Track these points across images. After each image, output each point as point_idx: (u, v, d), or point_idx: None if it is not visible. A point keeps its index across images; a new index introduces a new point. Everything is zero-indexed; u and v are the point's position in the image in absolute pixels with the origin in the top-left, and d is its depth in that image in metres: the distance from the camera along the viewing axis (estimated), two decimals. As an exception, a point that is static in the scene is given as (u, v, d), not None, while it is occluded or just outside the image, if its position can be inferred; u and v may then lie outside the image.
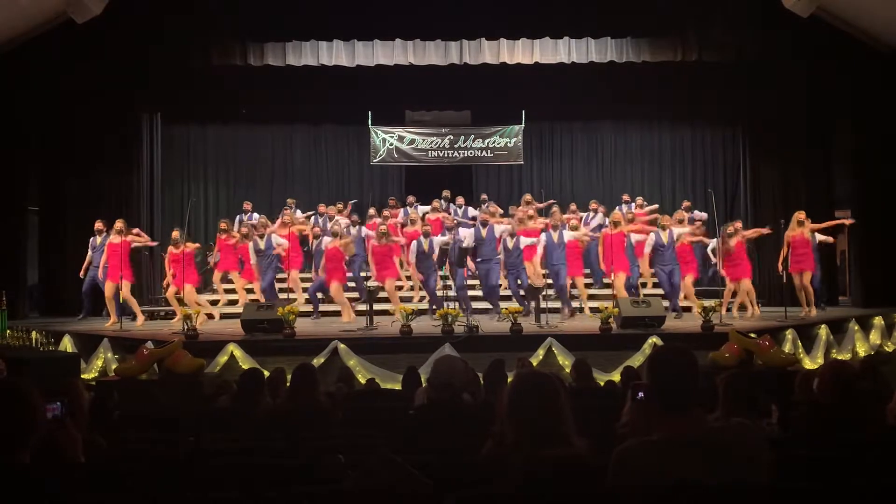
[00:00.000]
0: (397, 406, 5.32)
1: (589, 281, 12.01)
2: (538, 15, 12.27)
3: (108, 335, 9.51)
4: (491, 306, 10.78)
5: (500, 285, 11.16)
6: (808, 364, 8.94)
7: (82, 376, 8.45)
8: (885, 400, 4.09)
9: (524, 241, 10.79)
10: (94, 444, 3.66)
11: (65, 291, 12.11)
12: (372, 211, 13.00)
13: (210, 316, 11.03)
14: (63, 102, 12.26)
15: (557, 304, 11.05)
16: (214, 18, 11.95)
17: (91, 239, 11.18)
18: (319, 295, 11.27)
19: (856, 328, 10.34)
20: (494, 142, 14.59)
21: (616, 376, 7.95)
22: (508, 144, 14.57)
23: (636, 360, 8.46)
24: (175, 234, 10.97)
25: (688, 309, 10.99)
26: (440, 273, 10.62)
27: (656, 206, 13.29)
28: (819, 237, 10.92)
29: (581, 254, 11.31)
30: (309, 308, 11.31)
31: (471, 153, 14.65)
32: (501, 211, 13.41)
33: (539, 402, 2.50)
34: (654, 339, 8.75)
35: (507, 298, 11.11)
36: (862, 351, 10.15)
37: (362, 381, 8.13)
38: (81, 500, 2.72)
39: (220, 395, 6.06)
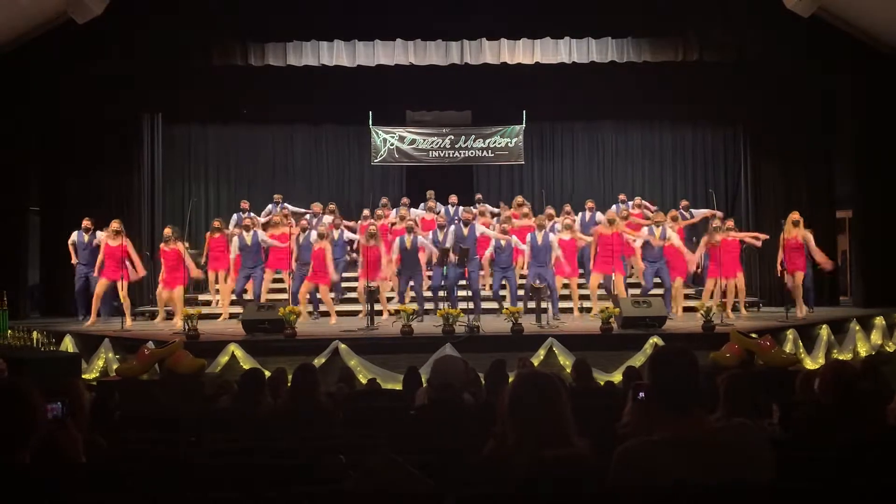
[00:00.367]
0: (398, 406, 5.33)
1: (581, 281, 11.98)
2: (539, 15, 12.25)
3: (109, 335, 9.52)
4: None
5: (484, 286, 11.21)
6: (809, 364, 8.94)
7: (83, 376, 8.45)
8: (886, 400, 4.09)
9: (554, 241, 10.69)
10: (95, 445, 3.66)
11: (66, 292, 12.09)
12: (366, 212, 12.98)
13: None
14: (63, 102, 12.26)
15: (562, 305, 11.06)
16: (215, 18, 11.93)
17: (78, 236, 11.09)
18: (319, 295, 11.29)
19: (857, 328, 10.33)
20: (495, 142, 14.58)
21: (617, 377, 7.96)
22: (509, 144, 14.56)
23: (637, 360, 8.46)
24: (167, 231, 10.95)
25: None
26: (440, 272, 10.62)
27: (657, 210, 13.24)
28: (812, 247, 10.83)
29: (576, 254, 11.17)
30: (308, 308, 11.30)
31: (472, 153, 14.64)
32: (494, 210, 13.40)
33: (540, 401, 2.50)
34: (655, 340, 8.75)
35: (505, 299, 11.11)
36: (863, 351, 10.15)
37: (363, 381, 8.14)
38: (82, 500, 2.72)
39: (220, 396, 6.07)
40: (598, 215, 12.69)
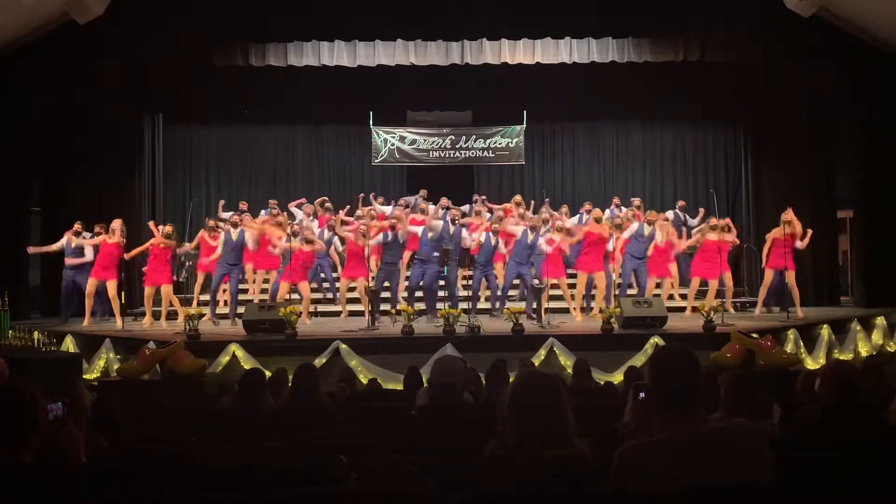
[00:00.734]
0: (399, 406, 5.33)
1: (572, 281, 11.95)
2: (539, 15, 12.25)
3: (110, 335, 9.52)
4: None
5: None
6: (810, 364, 8.93)
7: (84, 377, 8.46)
8: (887, 400, 4.08)
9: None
10: (96, 445, 3.66)
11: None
12: (359, 211, 12.97)
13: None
14: (64, 103, 12.26)
15: (559, 305, 11.05)
16: (216, 19, 11.94)
17: (66, 239, 11.00)
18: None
19: (858, 328, 10.33)
20: (496, 142, 14.59)
21: (618, 377, 7.96)
22: (510, 145, 14.57)
23: (638, 361, 8.45)
24: (167, 228, 10.86)
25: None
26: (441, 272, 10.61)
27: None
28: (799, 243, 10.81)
29: (561, 255, 10.98)
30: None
31: (472, 153, 14.65)
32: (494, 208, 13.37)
33: (541, 401, 2.50)
34: (655, 340, 8.74)
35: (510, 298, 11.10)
36: (864, 351, 10.15)
37: (364, 381, 8.14)
38: (83, 501, 2.72)
39: (221, 396, 6.07)
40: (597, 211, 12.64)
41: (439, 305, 10.30)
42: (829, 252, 12.80)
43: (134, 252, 10.74)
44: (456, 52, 12.51)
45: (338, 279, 11.55)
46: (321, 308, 11.77)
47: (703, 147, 15.31)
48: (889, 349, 10.55)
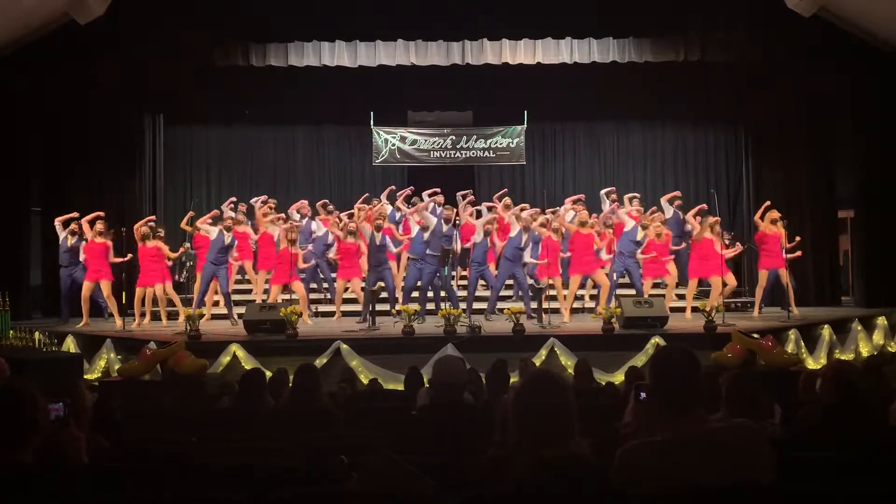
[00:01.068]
0: (400, 407, 5.33)
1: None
2: (540, 15, 12.25)
3: (111, 335, 9.53)
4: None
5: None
6: (811, 364, 8.93)
7: (85, 377, 8.47)
8: (888, 400, 4.08)
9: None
10: (97, 445, 3.67)
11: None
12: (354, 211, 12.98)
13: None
14: (65, 103, 12.26)
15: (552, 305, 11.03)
16: (216, 19, 11.94)
17: (62, 239, 10.97)
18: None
19: (859, 328, 10.33)
20: (497, 142, 14.58)
21: (619, 377, 7.96)
22: (511, 145, 14.57)
23: (639, 361, 8.45)
24: (144, 228, 10.73)
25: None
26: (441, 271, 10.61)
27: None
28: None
29: (557, 254, 10.97)
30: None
31: (473, 154, 14.64)
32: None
33: (548, 402, 2.49)
34: (656, 340, 8.74)
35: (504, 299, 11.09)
36: (865, 351, 10.15)
37: (365, 381, 8.14)
38: (83, 501, 2.72)
39: (222, 396, 6.07)
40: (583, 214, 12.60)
41: (441, 305, 10.31)
42: (829, 252, 12.80)
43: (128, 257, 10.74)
44: (457, 52, 12.51)
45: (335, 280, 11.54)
46: (321, 308, 11.78)
47: (704, 147, 15.30)
48: (890, 349, 10.54)
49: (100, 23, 11.26)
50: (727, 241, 11.60)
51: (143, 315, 10.70)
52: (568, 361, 8.56)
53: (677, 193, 12.74)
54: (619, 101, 14.31)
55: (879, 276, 12.16)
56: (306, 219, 12.29)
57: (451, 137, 14.57)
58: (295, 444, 3.76)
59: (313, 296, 11.59)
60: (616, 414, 3.84)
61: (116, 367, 8.61)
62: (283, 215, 11.91)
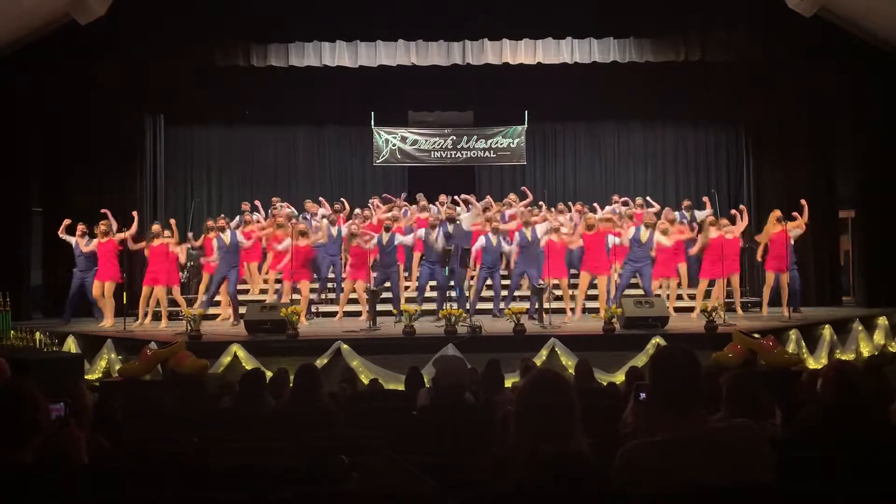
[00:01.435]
0: (400, 407, 5.33)
1: (574, 281, 11.96)
2: (540, 15, 12.25)
3: (112, 335, 9.54)
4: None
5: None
6: (812, 364, 8.92)
7: (86, 377, 8.48)
8: (888, 400, 4.08)
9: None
10: (97, 445, 3.67)
11: (68, 293, 12.13)
12: (358, 211, 12.99)
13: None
14: (66, 103, 12.27)
15: (559, 305, 11.04)
16: (217, 19, 11.95)
17: (75, 244, 11.00)
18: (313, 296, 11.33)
19: (859, 328, 10.33)
20: (497, 142, 14.59)
21: (620, 377, 7.96)
22: (511, 145, 14.57)
23: (640, 361, 8.45)
24: (155, 227, 10.90)
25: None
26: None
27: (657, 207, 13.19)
28: (795, 231, 10.82)
29: (563, 255, 10.97)
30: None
31: (474, 154, 14.65)
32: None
33: (553, 401, 2.48)
34: (657, 340, 8.73)
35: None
36: (866, 351, 10.15)
37: (365, 381, 8.14)
38: (84, 501, 2.72)
39: (223, 396, 6.07)
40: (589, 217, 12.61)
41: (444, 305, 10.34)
42: (830, 252, 12.80)
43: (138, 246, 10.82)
44: (457, 53, 12.51)
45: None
46: (322, 308, 11.78)
47: (705, 147, 15.31)
48: (891, 349, 10.54)
49: (100, 23, 11.26)
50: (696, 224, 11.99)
51: (146, 315, 10.73)
52: (568, 361, 8.56)
53: (688, 203, 13.27)
54: (619, 101, 14.32)
55: (880, 276, 12.16)
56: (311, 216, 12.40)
57: (451, 137, 14.58)
58: (295, 444, 3.76)
59: (313, 296, 11.58)
60: (616, 414, 3.84)
61: (117, 367, 8.62)
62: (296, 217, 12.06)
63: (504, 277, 11.37)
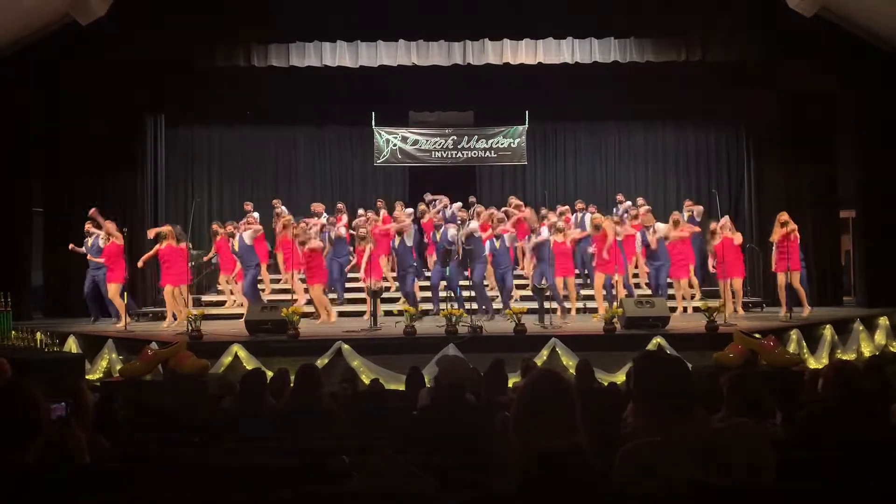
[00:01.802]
0: (401, 407, 5.33)
1: (580, 281, 12.00)
2: (541, 15, 12.22)
3: (112, 335, 9.55)
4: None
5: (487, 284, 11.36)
6: (813, 364, 8.92)
7: (87, 377, 8.48)
8: (889, 400, 4.08)
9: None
10: (98, 445, 3.67)
11: (69, 293, 12.14)
12: (360, 212, 13.03)
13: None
14: (67, 104, 12.28)
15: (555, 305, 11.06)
16: (218, 19, 11.93)
17: (84, 241, 11.20)
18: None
19: (860, 328, 10.32)
20: (498, 142, 14.59)
21: (620, 377, 7.96)
22: (512, 145, 14.57)
23: (640, 361, 8.43)
24: (165, 228, 10.92)
25: (673, 309, 10.95)
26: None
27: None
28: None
29: (571, 254, 11.06)
30: (310, 308, 11.30)
31: (474, 154, 14.65)
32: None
33: (554, 401, 2.48)
34: (658, 340, 8.74)
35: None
36: (867, 351, 10.14)
37: (366, 381, 8.14)
38: (85, 501, 2.73)
39: (223, 396, 6.07)
40: (587, 216, 12.65)
41: (442, 306, 10.33)
42: (831, 252, 12.79)
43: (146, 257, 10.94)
44: (458, 53, 12.49)
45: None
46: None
47: (705, 147, 15.30)
48: (892, 349, 10.53)
49: (101, 23, 11.26)
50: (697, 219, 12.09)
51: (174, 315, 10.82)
52: (569, 361, 8.56)
53: (689, 203, 13.29)
54: (620, 101, 14.29)
55: (881, 276, 12.15)
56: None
57: (452, 137, 14.57)
58: (296, 445, 3.76)
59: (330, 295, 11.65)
60: (617, 414, 3.85)
61: (118, 367, 8.62)
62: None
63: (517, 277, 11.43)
